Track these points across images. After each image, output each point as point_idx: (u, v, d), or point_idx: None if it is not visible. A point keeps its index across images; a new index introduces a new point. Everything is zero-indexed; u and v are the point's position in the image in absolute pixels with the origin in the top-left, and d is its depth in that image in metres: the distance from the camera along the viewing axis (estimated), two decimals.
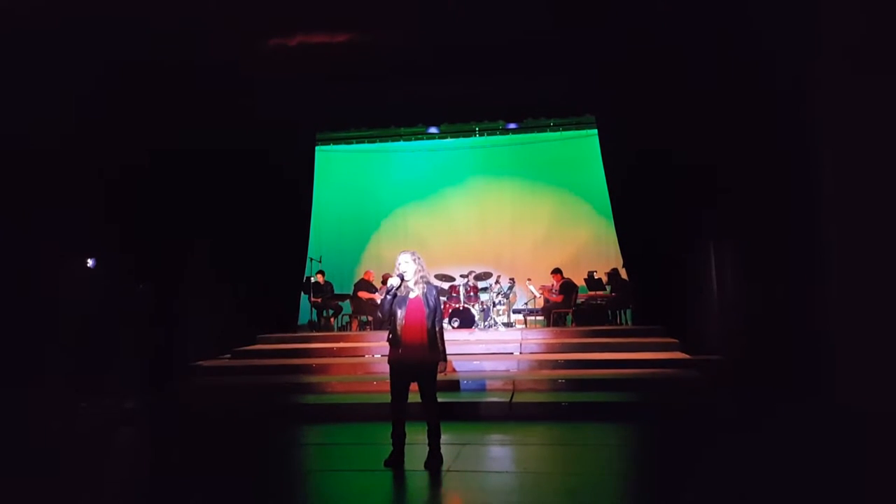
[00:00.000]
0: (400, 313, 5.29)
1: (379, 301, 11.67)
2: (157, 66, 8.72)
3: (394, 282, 5.32)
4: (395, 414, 5.37)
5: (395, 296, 5.35)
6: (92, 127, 8.76)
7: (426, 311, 5.31)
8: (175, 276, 9.93)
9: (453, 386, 8.27)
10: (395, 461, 5.31)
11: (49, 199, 8.37)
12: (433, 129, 13.25)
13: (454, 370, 8.74)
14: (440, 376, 5.45)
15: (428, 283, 5.45)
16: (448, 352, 9.49)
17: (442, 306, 5.46)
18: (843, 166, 6.48)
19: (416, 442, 5.40)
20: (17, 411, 7.28)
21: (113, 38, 7.99)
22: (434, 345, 5.33)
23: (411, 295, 5.35)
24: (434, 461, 5.29)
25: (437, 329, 5.36)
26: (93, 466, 6.06)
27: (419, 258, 5.45)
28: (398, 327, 5.31)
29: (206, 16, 7.94)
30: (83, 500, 5.10)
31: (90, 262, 9.41)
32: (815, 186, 6.92)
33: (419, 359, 5.31)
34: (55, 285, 8.55)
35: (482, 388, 8.26)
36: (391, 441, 5.34)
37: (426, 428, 5.34)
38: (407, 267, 5.36)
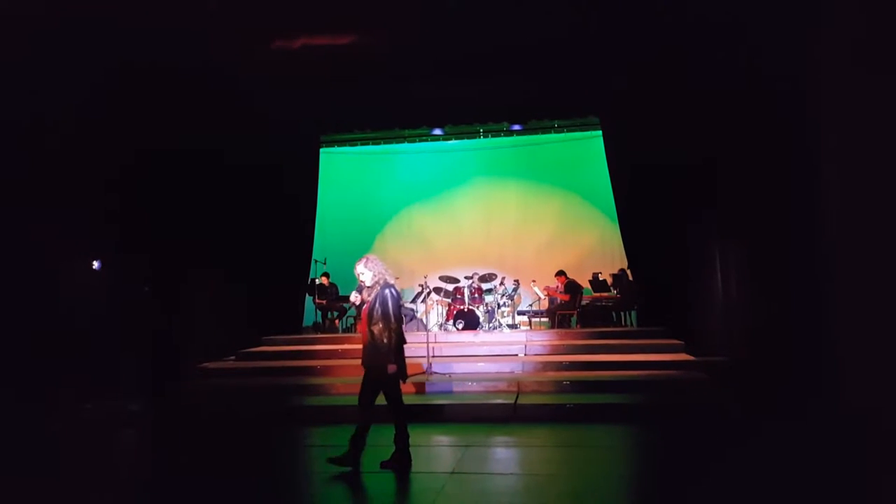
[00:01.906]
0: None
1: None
2: (162, 68, 8.75)
3: (354, 299, 5.43)
4: (360, 417, 5.42)
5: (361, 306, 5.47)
6: (98, 128, 8.80)
7: (371, 314, 5.33)
8: (180, 278, 9.95)
9: (455, 387, 8.27)
10: (349, 461, 5.34)
11: (54, 200, 8.40)
12: (437, 131, 13.28)
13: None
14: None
15: (384, 283, 5.42)
16: (453, 353, 9.68)
17: (391, 307, 5.32)
18: (847, 165, 6.44)
19: (415, 444, 5.39)
20: (23, 412, 7.30)
21: (121, 41, 8.01)
22: (381, 348, 5.28)
23: (368, 298, 5.41)
24: (400, 462, 5.33)
25: (380, 329, 5.27)
26: (96, 468, 6.07)
27: (375, 262, 5.48)
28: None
29: (210, 18, 7.96)
30: (87, 501, 5.11)
31: (95, 264, 9.43)
32: (819, 186, 6.88)
33: (367, 362, 5.38)
34: (60, 287, 8.58)
35: (487, 390, 8.24)
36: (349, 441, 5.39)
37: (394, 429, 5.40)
38: (364, 277, 5.42)
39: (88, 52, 8.00)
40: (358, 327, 5.45)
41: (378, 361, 5.30)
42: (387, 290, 5.37)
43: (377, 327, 5.28)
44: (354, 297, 5.45)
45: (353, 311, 12.54)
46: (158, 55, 8.41)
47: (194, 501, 5.00)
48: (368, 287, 5.41)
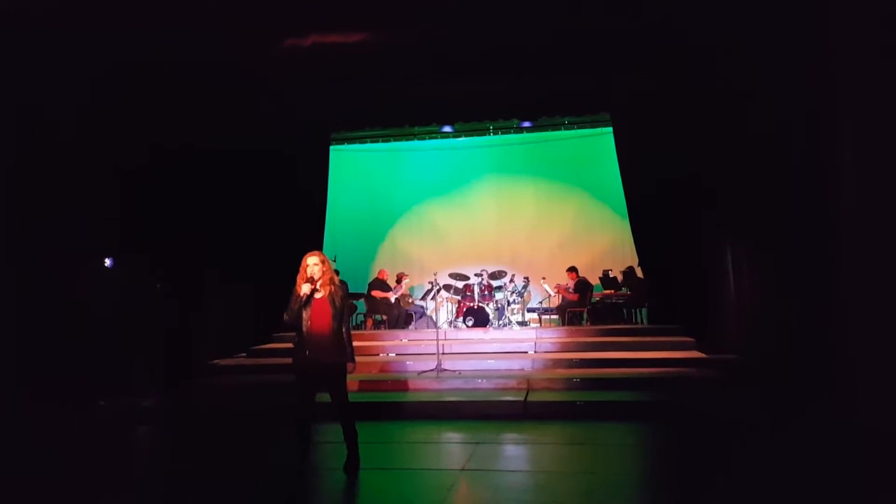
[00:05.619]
0: (305, 315, 5.24)
1: (392, 300, 11.73)
2: (173, 67, 8.78)
3: (306, 289, 5.22)
4: (302, 417, 5.31)
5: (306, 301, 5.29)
6: (112, 127, 8.85)
7: (332, 311, 5.26)
8: (191, 276, 10.00)
9: (465, 384, 8.27)
10: (352, 461, 5.29)
11: (68, 200, 8.46)
12: (447, 128, 13.24)
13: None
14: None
15: (334, 282, 5.39)
16: (462, 351, 9.68)
17: (348, 305, 5.33)
18: (864, 164, 6.39)
19: (426, 441, 5.39)
20: (37, 409, 7.36)
21: (128, 39, 8.04)
22: (341, 346, 5.28)
23: (317, 296, 5.30)
24: (353, 462, 5.28)
25: (343, 329, 5.31)
26: (110, 464, 6.12)
27: (327, 259, 5.44)
28: (304, 330, 5.23)
29: (221, 16, 7.97)
30: (100, 498, 5.15)
31: (108, 262, 9.49)
32: (835, 185, 6.82)
33: (326, 361, 5.23)
34: (74, 285, 8.64)
35: (497, 387, 8.24)
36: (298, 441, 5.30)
37: (342, 430, 5.30)
38: (315, 270, 5.29)
39: (98, 48, 8.03)
40: (313, 323, 5.25)
41: (341, 360, 5.28)
42: (342, 290, 5.40)
43: (340, 325, 5.28)
44: (307, 289, 5.24)
45: (363, 308, 12.57)
46: (166, 53, 8.42)
47: (207, 498, 5.03)
48: (317, 280, 5.28)
